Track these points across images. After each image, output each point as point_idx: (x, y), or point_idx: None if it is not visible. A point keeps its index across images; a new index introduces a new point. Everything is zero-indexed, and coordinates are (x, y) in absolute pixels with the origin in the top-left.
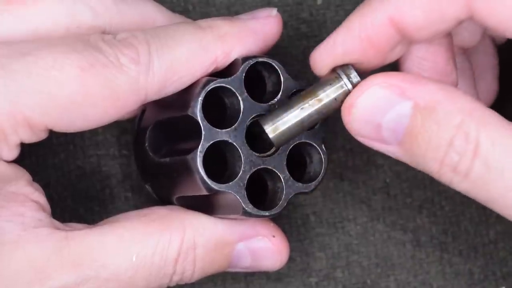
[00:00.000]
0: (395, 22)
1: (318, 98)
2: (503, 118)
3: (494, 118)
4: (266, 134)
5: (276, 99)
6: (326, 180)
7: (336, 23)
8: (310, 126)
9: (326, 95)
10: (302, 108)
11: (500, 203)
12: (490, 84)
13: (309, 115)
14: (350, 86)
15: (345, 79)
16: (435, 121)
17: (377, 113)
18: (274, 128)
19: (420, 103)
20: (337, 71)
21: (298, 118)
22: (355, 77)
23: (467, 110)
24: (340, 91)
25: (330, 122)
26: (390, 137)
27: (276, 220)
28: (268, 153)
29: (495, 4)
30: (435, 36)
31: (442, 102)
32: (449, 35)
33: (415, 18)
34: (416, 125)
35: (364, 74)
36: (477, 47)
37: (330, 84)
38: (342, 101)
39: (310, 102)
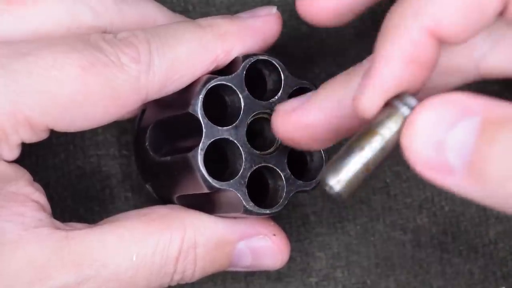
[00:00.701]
0: (434, 33)
1: (379, 135)
2: None
3: None
4: (331, 188)
5: (276, 97)
6: None
7: None
8: (375, 168)
9: (388, 130)
10: (364, 151)
11: None
12: None
13: (374, 156)
14: (410, 113)
15: (403, 107)
16: (509, 134)
17: (439, 130)
18: (338, 180)
19: (490, 116)
20: (391, 103)
21: (363, 162)
22: (412, 101)
23: None
24: (401, 120)
25: None
26: (456, 159)
27: (276, 220)
28: (269, 151)
29: None
30: (473, 35)
31: None
32: None
33: (453, 23)
34: (487, 141)
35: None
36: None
37: (389, 117)
38: None
39: (372, 141)
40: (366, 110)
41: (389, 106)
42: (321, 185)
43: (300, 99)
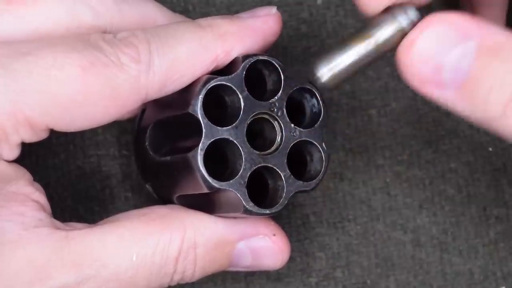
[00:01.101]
0: None
1: (374, 38)
2: None
3: None
4: (318, 79)
5: (276, 97)
6: (326, 180)
7: (336, 23)
8: (363, 69)
9: (383, 35)
10: (356, 51)
11: None
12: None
13: (365, 56)
14: (407, 25)
15: (402, 18)
16: (502, 60)
17: (440, 51)
18: (327, 71)
19: (485, 43)
20: (393, 10)
21: (352, 60)
22: (413, 14)
23: None
24: (398, 30)
25: (330, 122)
26: (450, 79)
27: (276, 220)
28: (269, 151)
29: None
30: None
31: (508, 42)
32: None
33: None
34: (481, 66)
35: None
36: None
37: (387, 24)
38: (398, 42)
39: (366, 42)
40: (369, 4)
41: (390, 12)
42: (310, 76)
43: None
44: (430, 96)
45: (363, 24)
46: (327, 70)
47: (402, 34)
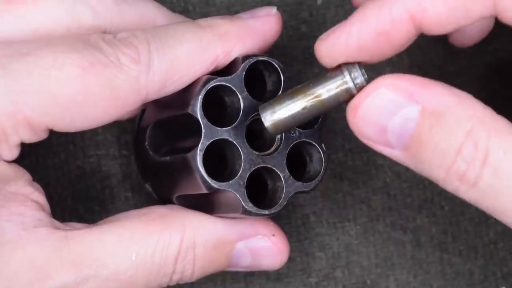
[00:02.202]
0: (415, 17)
1: (318, 94)
2: None
3: (506, 126)
4: (263, 122)
5: None
6: (326, 180)
7: (336, 23)
8: (307, 121)
9: (327, 92)
10: (301, 102)
11: (509, 214)
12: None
13: (308, 110)
14: (353, 86)
15: (348, 78)
16: (443, 127)
17: (383, 116)
18: (271, 117)
19: (429, 107)
20: (342, 68)
21: (296, 111)
22: (359, 76)
23: (477, 117)
24: (343, 89)
25: (330, 122)
26: (395, 141)
27: (276, 220)
28: (268, 151)
29: None
30: (452, 31)
31: (452, 107)
32: None
33: (437, 15)
34: (423, 131)
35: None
36: None
37: (334, 82)
38: (344, 100)
39: (311, 97)
40: (324, 58)
41: (339, 70)
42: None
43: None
44: (380, 152)
45: (313, 77)
46: (270, 117)
47: (349, 94)
